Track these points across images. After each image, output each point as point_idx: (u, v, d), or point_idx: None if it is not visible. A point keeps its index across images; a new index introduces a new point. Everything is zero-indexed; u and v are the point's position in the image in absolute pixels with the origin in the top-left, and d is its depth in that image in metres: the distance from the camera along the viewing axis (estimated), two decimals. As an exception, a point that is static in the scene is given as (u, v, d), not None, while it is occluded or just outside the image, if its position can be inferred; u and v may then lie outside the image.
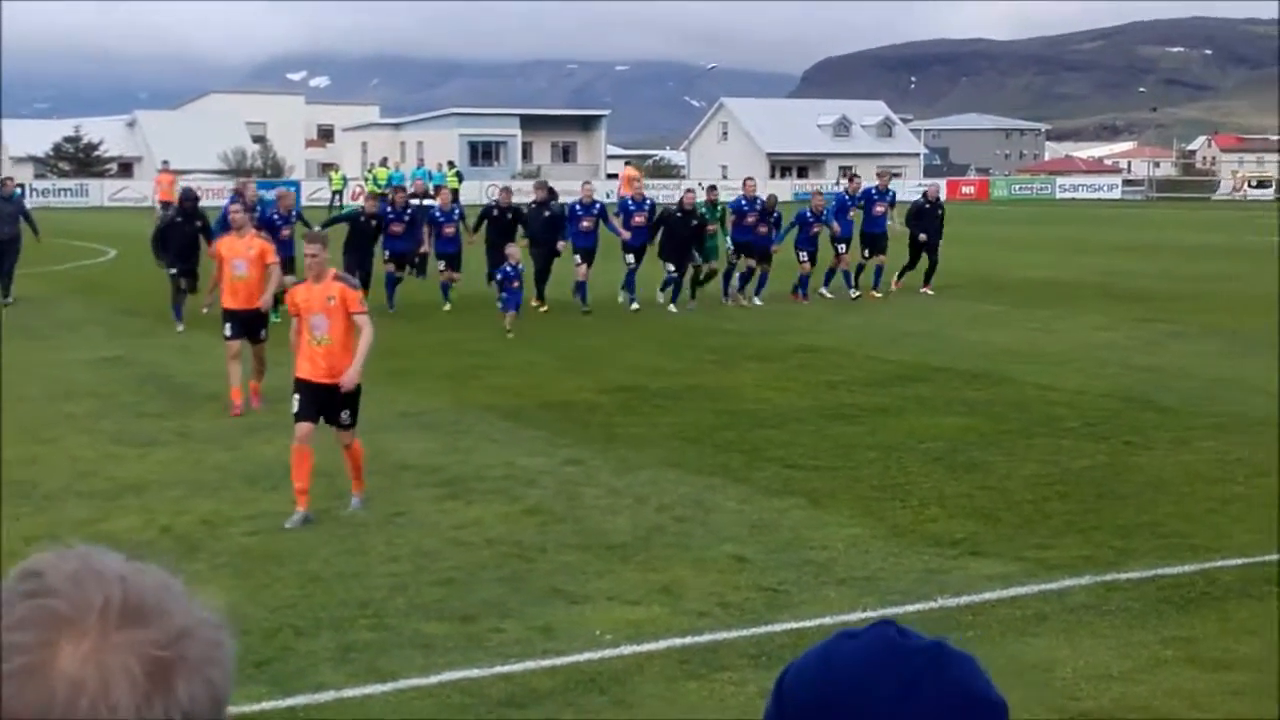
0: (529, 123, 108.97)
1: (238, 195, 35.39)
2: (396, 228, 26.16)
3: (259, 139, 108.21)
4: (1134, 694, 7.83)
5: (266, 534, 11.20)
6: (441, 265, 26.63)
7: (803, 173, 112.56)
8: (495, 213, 26.67)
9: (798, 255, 28.51)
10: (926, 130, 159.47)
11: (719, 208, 28.55)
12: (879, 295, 28.99)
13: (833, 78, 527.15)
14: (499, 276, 23.44)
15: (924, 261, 30.23)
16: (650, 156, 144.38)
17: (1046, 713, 7.62)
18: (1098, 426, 15.42)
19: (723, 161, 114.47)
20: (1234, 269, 35.95)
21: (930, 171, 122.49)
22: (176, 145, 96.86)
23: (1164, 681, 8.01)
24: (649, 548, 10.81)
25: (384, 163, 68.21)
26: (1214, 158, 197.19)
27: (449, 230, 26.68)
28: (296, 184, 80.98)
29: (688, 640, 8.64)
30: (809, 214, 28.75)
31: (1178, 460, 13.87)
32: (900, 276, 30.07)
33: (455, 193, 57.79)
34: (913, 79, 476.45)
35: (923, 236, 29.99)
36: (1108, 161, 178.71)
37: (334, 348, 11.77)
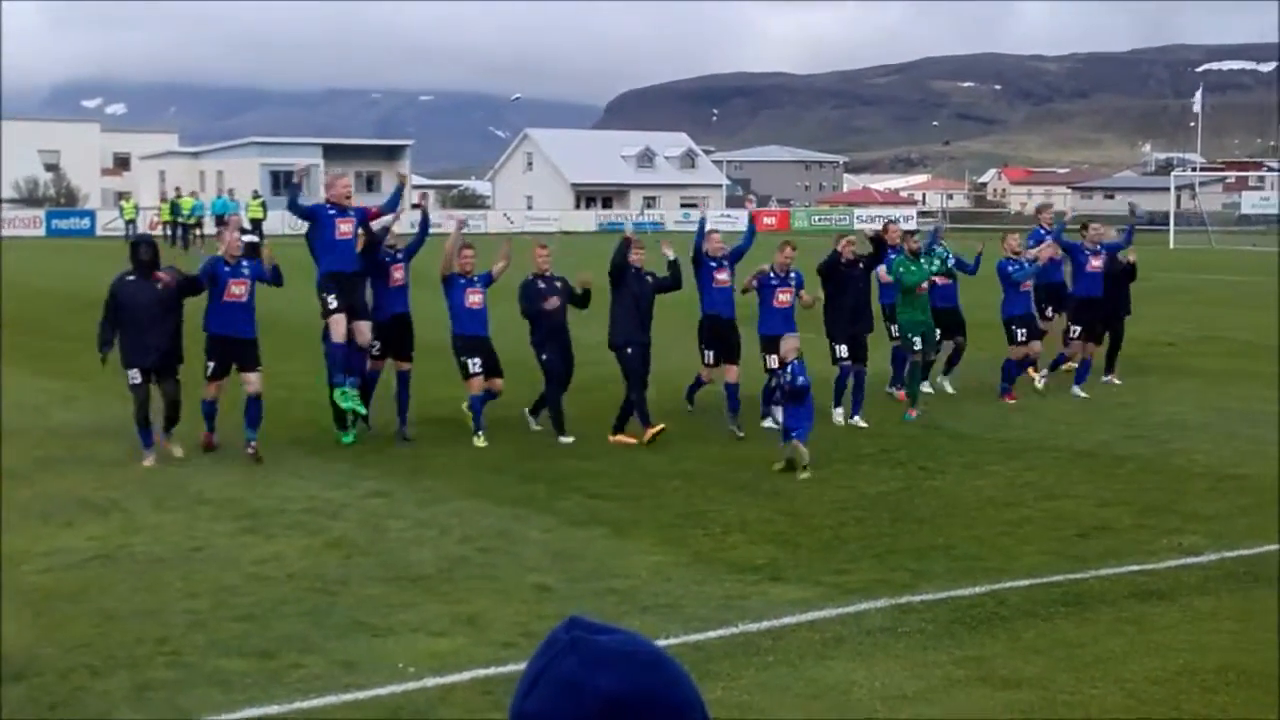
0: (332, 152, 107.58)
1: None
2: (399, 274, 16.88)
3: (52, 167, 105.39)
4: (928, 714, 8.04)
5: (61, 571, 10.93)
6: (377, 347, 16.72)
7: (607, 203, 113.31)
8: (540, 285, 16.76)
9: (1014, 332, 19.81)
10: (728, 161, 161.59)
11: (933, 259, 18.96)
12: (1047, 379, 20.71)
13: (636, 109, 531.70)
14: (772, 383, 15.92)
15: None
16: (455, 186, 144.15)
17: (844, 733, 7.78)
18: (894, 453, 15.79)
19: (528, 191, 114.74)
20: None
21: (733, 202, 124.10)
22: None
23: (956, 701, 8.25)
24: (453, 579, 10.80)
25: (178, 192, 66.66)
26: (1004, 189, 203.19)
27: (398, 277, 16.83)
28: (92, 213, 79.22)
29: (491, 671, 8.65)
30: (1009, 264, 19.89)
31: (970, 485, 14.28)
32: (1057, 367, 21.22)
33: (257, 223, 57.04)
34: (714, 111, 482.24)
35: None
36: (903, 193, 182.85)
37: None
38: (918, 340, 18.16)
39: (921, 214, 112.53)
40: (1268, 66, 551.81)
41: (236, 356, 15.51)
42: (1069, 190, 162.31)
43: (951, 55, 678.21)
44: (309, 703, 8.17)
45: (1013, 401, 19.30)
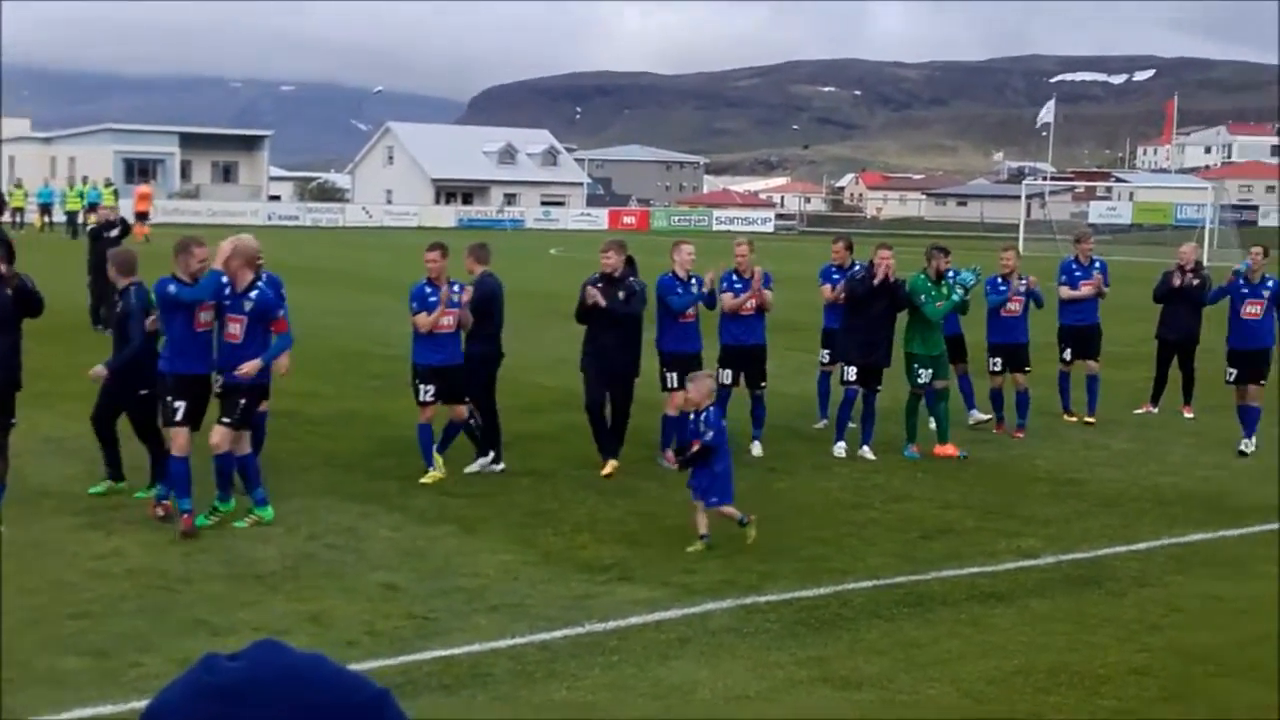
0: (189, 141, 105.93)
1: None
2: (234, 328, 12.40)
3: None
4: (770, 714, 8.13)
5: (-111, 567, 10.63)
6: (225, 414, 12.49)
7: (468, 199, 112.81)
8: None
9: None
10: (590, 160, 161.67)
11: (954, 284, 16.95)
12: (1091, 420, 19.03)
13: (499, 106, 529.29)
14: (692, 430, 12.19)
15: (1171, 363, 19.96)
16: (314, 179, 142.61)
17: (685, 733, 7.84)
18: (742, 454, 15.87)
19: (388, 186, 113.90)
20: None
21: (593, 201, 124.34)
22: None
23: (798, 701, 8.35)
24: (298, 577, 10.70)
25: (20, 184, 65.04)
26: (861, 194, 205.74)
27: (233, 330, 12.40)
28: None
29: (335, 670, 8.56)
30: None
31: (818, 486, 14.47)
32: (1157, 399, 20.09)
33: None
34: (577, 109, 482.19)
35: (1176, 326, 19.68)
36: (762, 195, 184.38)
37: None
38: (923, 374, 16.50)
39: (779, 216, 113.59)
40: (1118, 79, 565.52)
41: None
42: (924, 196, 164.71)
43: (814, 60, 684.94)
44: (146, 702, 8.01)
45: (999, 433, 18.07)
